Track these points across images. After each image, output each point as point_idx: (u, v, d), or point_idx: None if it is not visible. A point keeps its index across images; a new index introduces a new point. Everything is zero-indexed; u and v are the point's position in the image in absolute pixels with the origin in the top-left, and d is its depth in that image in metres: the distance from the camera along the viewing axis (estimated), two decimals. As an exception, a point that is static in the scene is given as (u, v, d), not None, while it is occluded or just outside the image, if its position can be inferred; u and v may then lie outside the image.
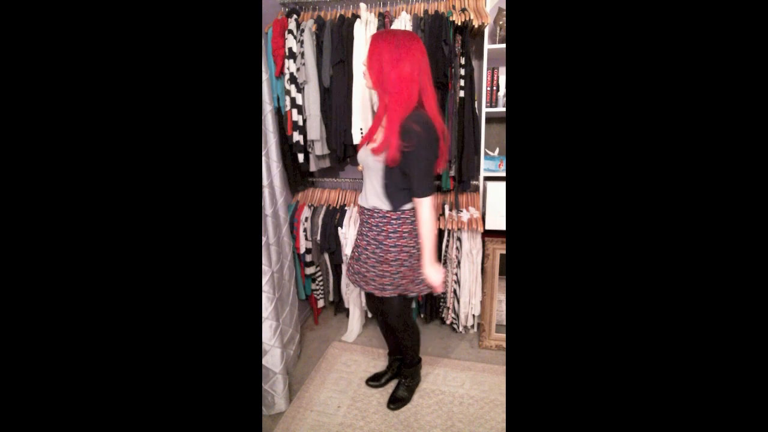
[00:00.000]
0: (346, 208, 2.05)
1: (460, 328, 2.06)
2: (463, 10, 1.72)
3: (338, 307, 2.26)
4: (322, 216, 2.04)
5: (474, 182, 1.95)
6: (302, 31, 1.76)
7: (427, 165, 1.21)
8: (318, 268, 2.14)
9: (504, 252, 1.88)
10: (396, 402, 1.63)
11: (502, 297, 1.95)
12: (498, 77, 1.84)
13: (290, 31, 1.77)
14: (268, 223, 1.59)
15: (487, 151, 1.98)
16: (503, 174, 1.89)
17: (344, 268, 2.06)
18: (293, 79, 1.80)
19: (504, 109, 1.83)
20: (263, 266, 1.46)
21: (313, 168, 1.96)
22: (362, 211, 1.39)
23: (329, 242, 2.01)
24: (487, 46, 1.72)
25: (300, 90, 1.81)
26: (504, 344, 1.97)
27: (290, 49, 1.77)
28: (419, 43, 1.20)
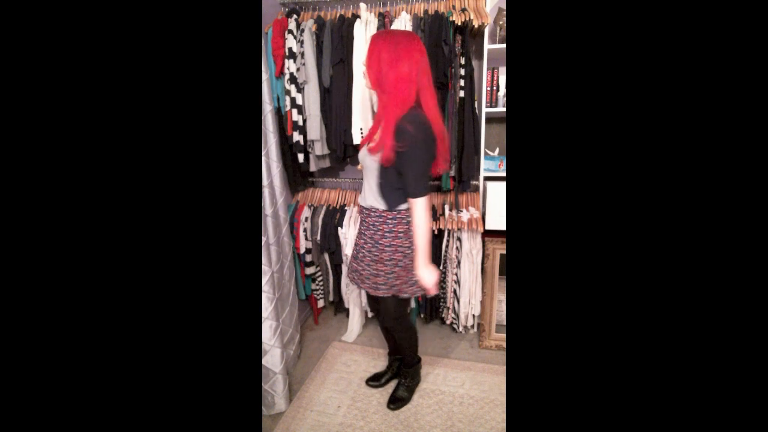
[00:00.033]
0: (346, 208, 2.05)
1: (460, 328, 2.06)
2: (463, 10, 1.72)
3: (338, 307, 2.26)
4: (322, 216, 2.04)
5: (474, 182, 1.95)
6: (302, 31, 1.76)
7: (421, 165, 1.21)
8: (318, 268, 2.14)
9: (504, 252, 1.88)
10: (396, 402, 1.63)
11: (502, 297, 1.95)
12: (498, 77, 1.84)
13: (290, 31, 1.77)
14: (268, 223, 1.59)
15: (487, 151, 1.98)
16: (503, 174, 1.89)
17: (344, 268, 2.06)
18: (293, 79, 1.80)
19: (504, 109, 1.83)
20: (263, 266, 1.46)
21: (313, 168, 1.96)
22: (361, 210, 1.41)
23: (329, 242, 2.01)
24: (487, 46, 1.72)
25: (300, 90, 1.81)
26: (504, 344, 1.97)
27: (290, 49, 1.77)
28: (419, 43, 1.20)
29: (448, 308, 2.04)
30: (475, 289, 1.93)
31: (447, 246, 1.93)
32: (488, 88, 1.82)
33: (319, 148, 1.87)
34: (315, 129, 1.82)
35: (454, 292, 1.98)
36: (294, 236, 2.01)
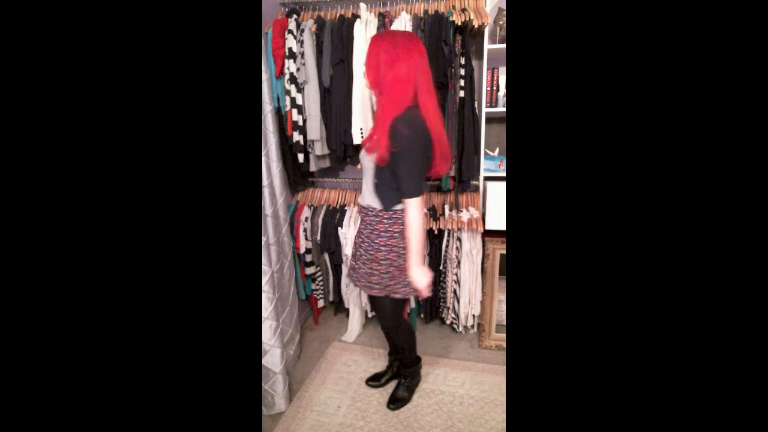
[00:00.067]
0: (346, 208, 2.05)
1: (460, 328, 2.06)
2: (463, 10, 1.72)
3: (338, 307, 2.26)
4: (322, 216, 2.04)
5: (474, 182, 1.95)
6: (302, 31, 1.76)
7: (414, 166, 1.21)
8: (318, 268, 2.14)
9: (504, 252, 1.88)
10: (396, 402, 1.63)
11: (502, 297, 1.95)
12: (498, 77, 1.84)
13: (290, 31, 1.77)
14: (268, 223, 1.59)
15: (487, 151, 1.98)
16: (503, 174, 1.89)
17: (344, 268, 2.06)
18: (293, 79, 1.80)
19: (504, 109, 1.83)
20: (263, 266, 1.46)
21: (313, 168, 1.96)
22: (360, 209, 1.42)
23: (329, 242, 2.02)
24: (487, 46, 1.72)
25: (300, 90, 1.81)
26: (504, 344, 1.97)
27: (290, 49, 1.77)
28: (418, 44, 1.20)
29: (448, 308, 2.04)
30: (475, 289, 1.93)
31: (447, 246, 1.93)
32: (488, 88, 1.82)
33: (319, 148, 1.87)
34: (315, 129, 1.82)
35: (454, 292, 1.98)
36: (294, 236, 2.01)
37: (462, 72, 1.71)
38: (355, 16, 1.76)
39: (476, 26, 1.65)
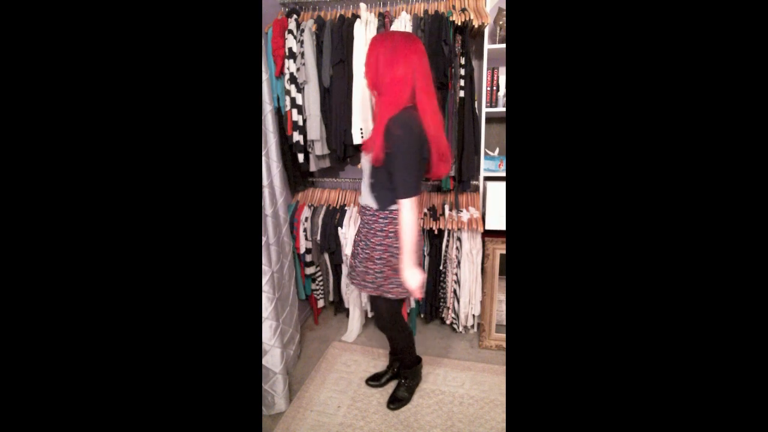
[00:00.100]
0: (346, 208, 2.05)
1: (460, 328, 2.06)
2: (463, 10, 1.72)
3: (338, 307, 2.26)
4: (322, 216, 2.04)
5: (474, 182, 1.95)
6: (302, 31, 1.76)
7: (408, 166, 1.21)
8: (318, 268, 2.14)
9: (504, 252, 1.88)
10: (396, 402, 1.63)
11: (502, 297, 1.95)
12: (498, 77, 1.84)
13: (290, 31, 1.77)
14: (268, 223, 1.59)
15: (487, 151, 1.98)
16: (503, 174, 1.89)
17: (344, 268, 2.06)
18: (293, 79, 1.80)
19: (504, 109, 1.83)
20: (263, 266, 1.47)
21: (313, 168, 1.96)
22: (360, 208, 1.43)
23: (329, 242, 2.02)
24: (487, 46, 1.72)
25: (300, 90, 1.82)
26: (504, 344, 1.97)
27: (290, 49, 1.77)
28: (418, 45, 1.20)
29: (448, 308, 2.04)
30: (475, 289, 1.93)
31: (447, 246, 1.93)
32: (488, 88, 1.82)
33: (319, 148, 1.87)
34: (315, 129, 1.82)
35: (454, 292, 1.98)
36: (294, 236, 2.01)
37: (462, 72, 1.71)
38: (355, 16, 1.76)
39: (476, 26, 1.65)
